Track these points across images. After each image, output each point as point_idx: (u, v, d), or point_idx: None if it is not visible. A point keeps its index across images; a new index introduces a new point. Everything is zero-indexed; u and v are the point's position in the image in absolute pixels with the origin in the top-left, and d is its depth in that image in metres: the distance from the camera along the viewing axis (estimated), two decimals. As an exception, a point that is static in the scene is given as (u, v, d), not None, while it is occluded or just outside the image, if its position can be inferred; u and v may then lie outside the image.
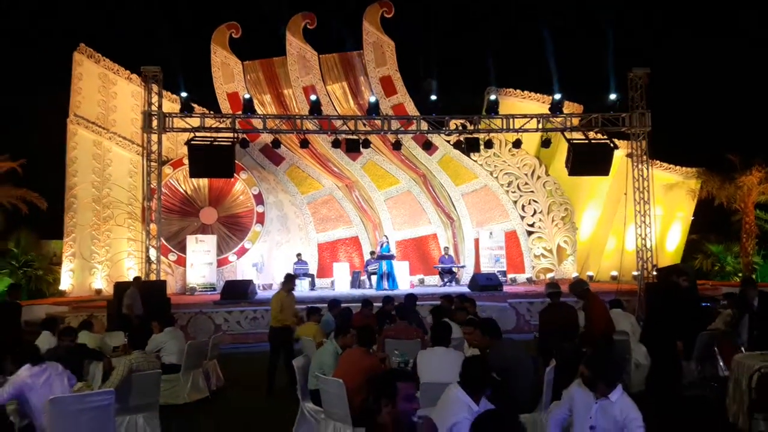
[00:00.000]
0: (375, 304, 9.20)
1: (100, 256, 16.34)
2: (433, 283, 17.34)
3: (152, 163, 13.57)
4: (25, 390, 4.87)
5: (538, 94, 17.67)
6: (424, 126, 14.90)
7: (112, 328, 10.10)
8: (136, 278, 12.01)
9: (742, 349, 7.04)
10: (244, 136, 14.29)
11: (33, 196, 16.58)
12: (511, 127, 14.40)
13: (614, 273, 16.96)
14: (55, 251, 17.68)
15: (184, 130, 13.79)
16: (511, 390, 4.76)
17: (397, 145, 15.19)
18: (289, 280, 8.93)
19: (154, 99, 13.46)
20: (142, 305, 10.80)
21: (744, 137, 18.55)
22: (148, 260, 13.35)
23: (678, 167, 18.34)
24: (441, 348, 5.52)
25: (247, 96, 13.77)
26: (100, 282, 16.17)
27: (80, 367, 6.11)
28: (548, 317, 7.40)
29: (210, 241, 16.68)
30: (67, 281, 16.05)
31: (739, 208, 18.25)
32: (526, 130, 14.47)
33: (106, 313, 11.89)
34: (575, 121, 14.68)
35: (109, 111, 16.86)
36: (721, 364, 7.31)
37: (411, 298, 9.06)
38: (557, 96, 13.96)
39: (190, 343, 8.08)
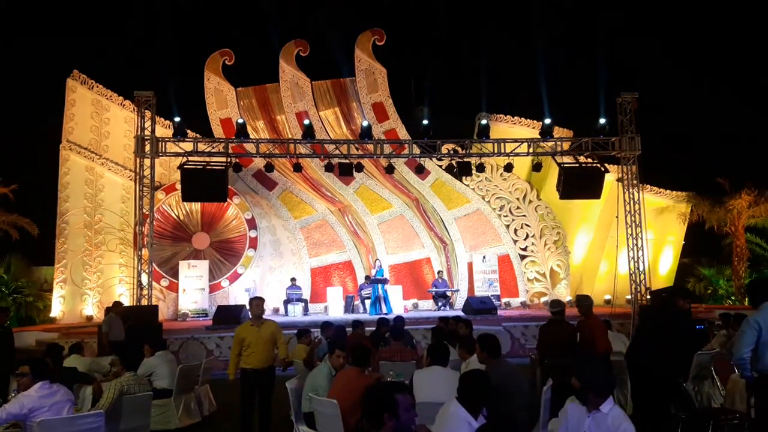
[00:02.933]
0: (367, 328, 9.21)
1: (91, 282, 16.19)
2: (427, 307, 17.25)
3: (144, 188, 13.56)
4: (32, 410, 4.68)
5: (528, 120, 17.85)
6: (417, 150, 15.01)
7: (103, 354, 9.96)
8: (116, 303, 11.76)
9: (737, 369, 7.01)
10: (237, 160, 14.33)
11: (24, 222, 16.48)
12: (503, 151, 14.52)
13: (608, 297, 16.95)
14: (45, 277, 17.50)
15: (177, 154, 13.82)
16: (507, 408, 4.72)
17: (389, 169, 15.27)
18: (252, 304, 7.19)
19: (147, 124, 13.50)
20: (126, 331, 10.57)
21: (733, 161, 18.79)
22: (140, 286, 13.24)
23: (668, 191, 18.50)
24: (438, 367, 5.49)
25: (240, 120, 13.84)
26: (91, 308, 16.00)
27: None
28: (549, 333, 7.39)
29: (202, 266, 16.59)
30: (57, 308, 15.87)
31: (729, 232, 18.39)
32: (518, 154, 14.59)
33: (97, 340, 11.72)
34: (566, 146, 14.82)
35: (102, 137, 16.89)
36: (719, 383, 7.30)
37: (399, 319, 9.16)
38: (547, 121, 14.12)
39: (182, 367, 7.97)
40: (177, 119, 13.67)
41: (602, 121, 13.89)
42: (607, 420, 3.73)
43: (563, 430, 4.00)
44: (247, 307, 14.48)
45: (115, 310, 11.15)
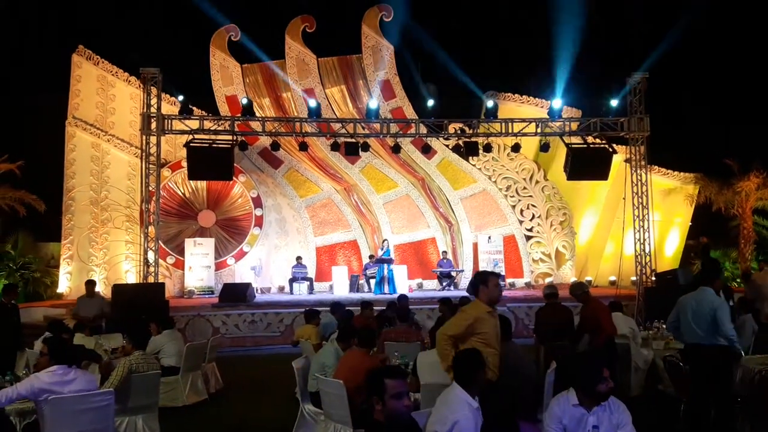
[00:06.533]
0: (375, 308, 9.24)
1: (98, 259, 16.28)
2: (431, 287, 17.30)
3: (151, 166, 13.55)
4: (43, 391, 4.54)
5: (537, 99, 17.69)
6: (423, 130, 14.92)
7: (111, 331, 10.03)
8: (87, 282, 11.00)
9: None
10: (243, 138, 14.29)
11: (31, 198, 16.50)
12: (510, 131, 14.42)
13: (613, 278, 16.94)
14: (52, 254, 17.60)
15: (183, 132, 13.78)
16: (516, 390, 4.75)
17: (396, 149, 15.20)
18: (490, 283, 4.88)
19: (153, 101, 13.44)
20: (101, 311, 10.09)
21: (742, 142, 18.60)
22: (146, 263, 13.30)
23: (676, 173, 18.36)
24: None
25: (245, 100, 13.75)
26: (98, 285, 16.04)
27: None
28: (544, 317, 7.59)
29: (208, 244, 16.64)
30: (64, 284, 15.99)
31: (737, 214, 18.27)
32: (525, 134, 14.49)
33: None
34: (574, 126, 14.70)
35: (108, 113, 16.84)
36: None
37: (404, 297, 9.26)
38: (557, 101, 13.98)
39: (189, 345, 8.05)
40: (182, 97, 13.62)
41: (614, 102, 13.79)
42: (607, 410, 3.75)
43: (559, 429, 3.80)
44: (254, 284, 14.49)
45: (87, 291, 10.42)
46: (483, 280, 4.86)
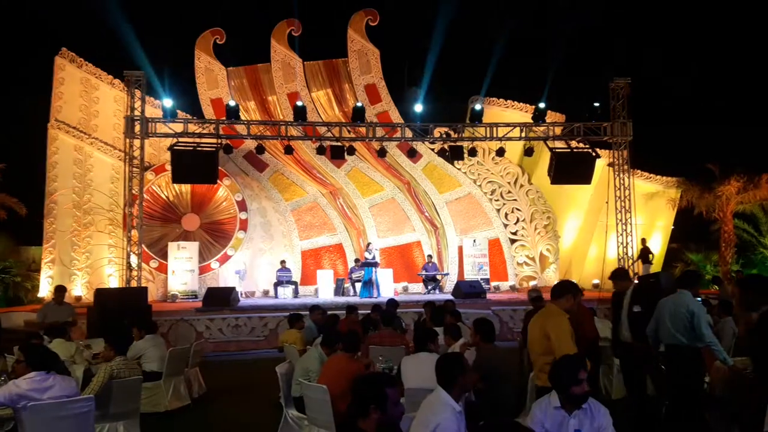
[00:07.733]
0: (359, 311, 9.24)
1: (80, 263, 16.11)
2: (417, 290, 17.33)
3: (134, 169, 13.46)
4: (22, 397, 4.49)
5: (521, 104, 17.81)
6: (409, 134, 14.97)
7: (93, 335, 9.92)
8: (56, 287, 10.53)
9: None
10: (228, 141, 14.23)
11: (12, 202, 16.32)
12: (495, 135, 14.52)
13: (596, 281, 17.09)
14: (33, 258, 17.42)
15: (167, 135, 13.71)
16: (496, 393, 4.77)
17: (381, 153, 15.23)
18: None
19: (137, 104, 13.36)
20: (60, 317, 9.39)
21: (723, 147, 18.87)
22: (129, 267, 13.21)
23: (658, 177, 18.59)
24: (425, 353, 5.52)
25: (232, 103, 13.70)
26: (80, 289, 15.93)
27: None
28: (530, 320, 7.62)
29: (192, 247, 16.53)
30: (46, 288, 15.79)
31: (718, 218, 18.52)
32: (510, 139, 14.59)
33: (86, 321, 11.69)
34: (558, 130, 14.84)
35: (91, 116, 16.68)
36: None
37: (392, 303, 9.24)
38: (541, 105, 14.10)
39: (172, 350, 7.96)
40: (167, 100, 13.54)
41: (596, 104, 13.94)
42: (588, 412, 3.76)
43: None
44: (239, 288, 14.43)
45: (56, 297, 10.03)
46: (575, 292, 5.07)
